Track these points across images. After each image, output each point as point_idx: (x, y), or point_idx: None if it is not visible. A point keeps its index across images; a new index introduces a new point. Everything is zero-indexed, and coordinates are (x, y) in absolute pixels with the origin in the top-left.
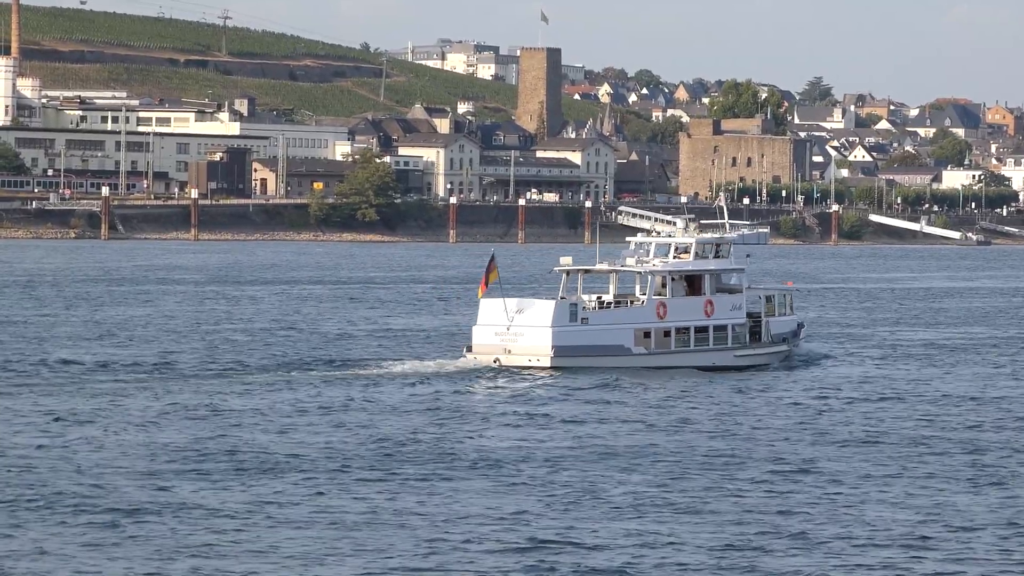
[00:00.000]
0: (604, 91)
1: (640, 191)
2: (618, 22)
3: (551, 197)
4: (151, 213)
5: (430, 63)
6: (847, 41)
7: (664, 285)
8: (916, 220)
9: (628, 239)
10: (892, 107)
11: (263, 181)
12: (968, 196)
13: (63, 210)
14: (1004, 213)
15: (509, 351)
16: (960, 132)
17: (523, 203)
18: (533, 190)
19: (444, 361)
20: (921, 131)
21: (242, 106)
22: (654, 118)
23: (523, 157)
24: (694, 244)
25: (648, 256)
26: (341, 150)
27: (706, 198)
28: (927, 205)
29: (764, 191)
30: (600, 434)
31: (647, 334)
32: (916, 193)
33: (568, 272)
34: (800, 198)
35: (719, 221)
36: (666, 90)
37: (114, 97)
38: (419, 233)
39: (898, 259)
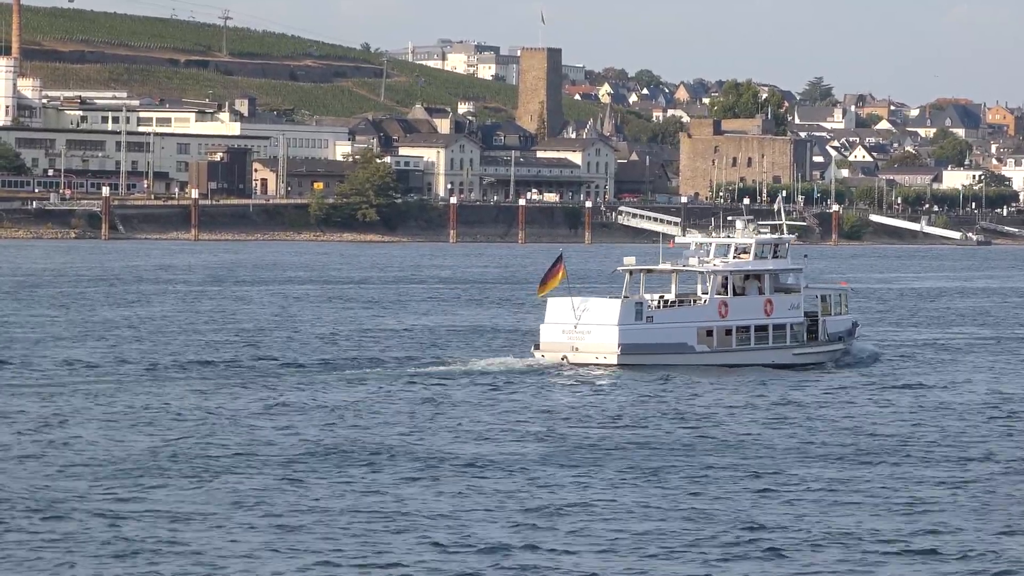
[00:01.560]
0: (604, 91)
1: (640, 191)
2: (618, 22)
3: (551, 197)
4: (151, 213)
5: (430, 63)
6: (847, 41)
7: (725, 284)
8: (916, 220)
9: (687, 239)
10: (892, 107)
11: (263, 181)
12: (968, 196)
13: (63, 210)
14: (1004, 213)
15: (576, 349)
16: (960, 132)
17: (523, 203)
18: (533, 190)
19: (513, 359)
20: (921, 131)
21: (242, 106)
22: (654, 118)
23: (523, 157)
24: (754, 244)
25: (708, 256)
26: (341, 150)
27: (706, 198)
28: (927, 205)
29: (764, 191)
30: (712, 430)
31: (709, 332)
32: (916, 193)
33: (631, 272)
34: (800, 198)
35: (776, 222)
36: (666, 90)
37: (114, 97)
38: (419, 233)
39: (897, 259)
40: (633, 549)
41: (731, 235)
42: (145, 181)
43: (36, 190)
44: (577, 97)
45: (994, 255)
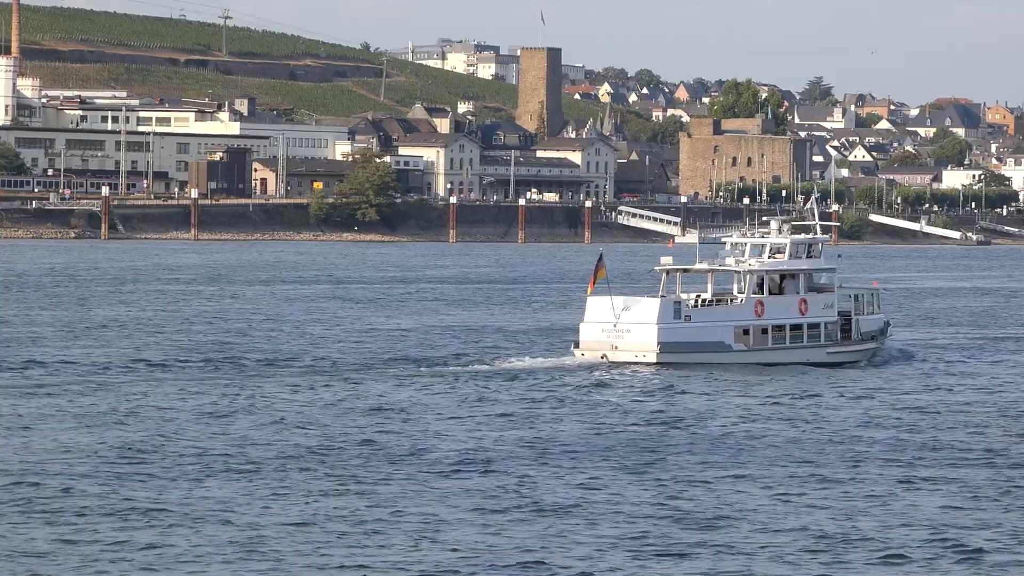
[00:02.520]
0: (604, 91)
1: (640, 191)
2: (618, 22)
3: (551, 197)
4: (151, 213)
5: (430, 63)
6: (847, 41)
7: (761, 284)
8: (916, 220)
9: (723, 239)
10: (892, 107)
11: (263, 181)
12: (968, 196)
13: (63, 210)
14: (1004, 213)
15: (616, 347)
16: (960, 132)
17: (523, 203)
18: (533, 190)
19: (553, 358)
20: (921, 131)
21: (242, 106)
22: (654, 118)
23: (523, 157)
24: (789, 244)
25: (744, 256)
26: (341, 150)
27: (706, 198)
28: (927, 205)
29: (764, 191)
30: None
31: (746, 331)
32: (916, 193)
33: (668, 271)
34: (800, 198)
35: (810, 223)
36: (666, 90)
37: (114, 97)
38: (419, 233)
39: (898, 259)
40: (697, 547)
41: (766, 235)
42: (145, 181)
43: (36, 190)
44: (577, 97)
45: (995, 255)
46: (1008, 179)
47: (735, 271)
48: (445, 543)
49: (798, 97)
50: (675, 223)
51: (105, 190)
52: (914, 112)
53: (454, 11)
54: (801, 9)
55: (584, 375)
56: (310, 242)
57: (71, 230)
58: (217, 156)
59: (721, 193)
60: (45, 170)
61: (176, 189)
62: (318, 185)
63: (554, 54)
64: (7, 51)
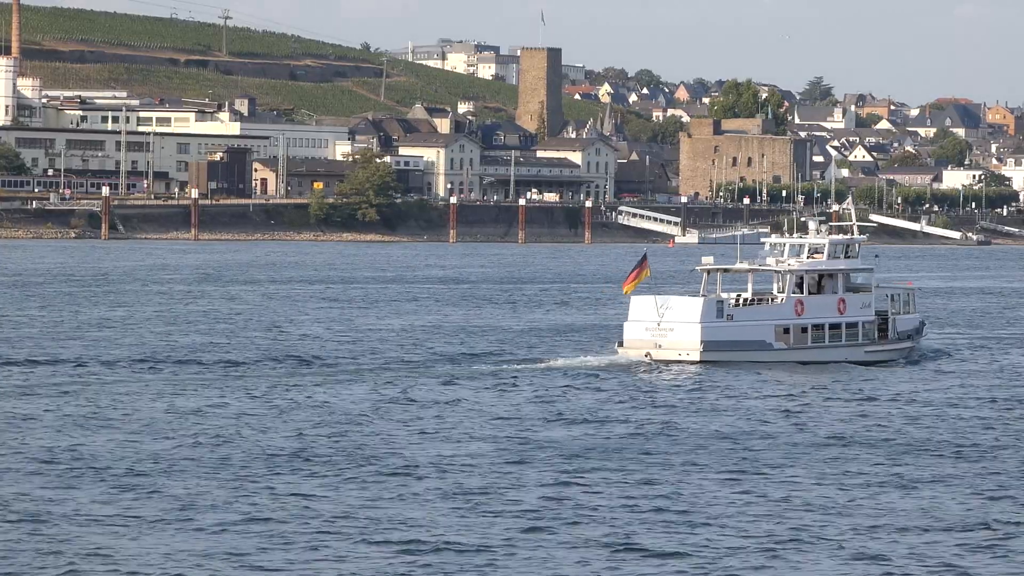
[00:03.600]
0: (604, 91)
1: (640, 191)
2: (618, 22)
3: (551, 197)
4: (151, 213)
5: (430, 63)
6: (847, 41)
7: (800, 284)
8: (916, 220)
9: (763, 240)
10: (892, 107)
11: (263, 181)
12: (968, 196)
13: (63, 210)
14: (1004, 213)
15: (660, 346)
16: (960, 132)
17: (523, 203)
18: (533, 190)
19: (597, 357)
20: (921, 131)
21: (242, 106)
22: (654, 118)
23: (523, 157)
24: (827, 245)
25: (783, 256)
26: (341, 150)
27: (706, 198)
28: (927, 205)
29: (764, 191)
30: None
31: (786, 330)
32: (916, 193)
33: (708, 271)
34: (800, 198)
35: (847, 223)
36: (666, 90)
37: (114, 97)
38: (419, 233)
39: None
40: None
41: (804, 236)
42: (145, 181)
43: (36, 190)
44: (577, 97)
45: (996, 255)
46: (1008, 179)
47: (775, 271)
48: (517, 528)
49: (798, 97)
50: (675, 223)
51: (105, 190)
52: (914, 112)
53: (454, 11)
54: (801, 9)
55: (629, 373)
56: (310, 242)
57: (71, 230)
58: (217, 156)
59: (721, 193)
60: (45, 170)
61: (176, 189)
62: (318, 185)
63: (554, 54)
64: (7, 51)
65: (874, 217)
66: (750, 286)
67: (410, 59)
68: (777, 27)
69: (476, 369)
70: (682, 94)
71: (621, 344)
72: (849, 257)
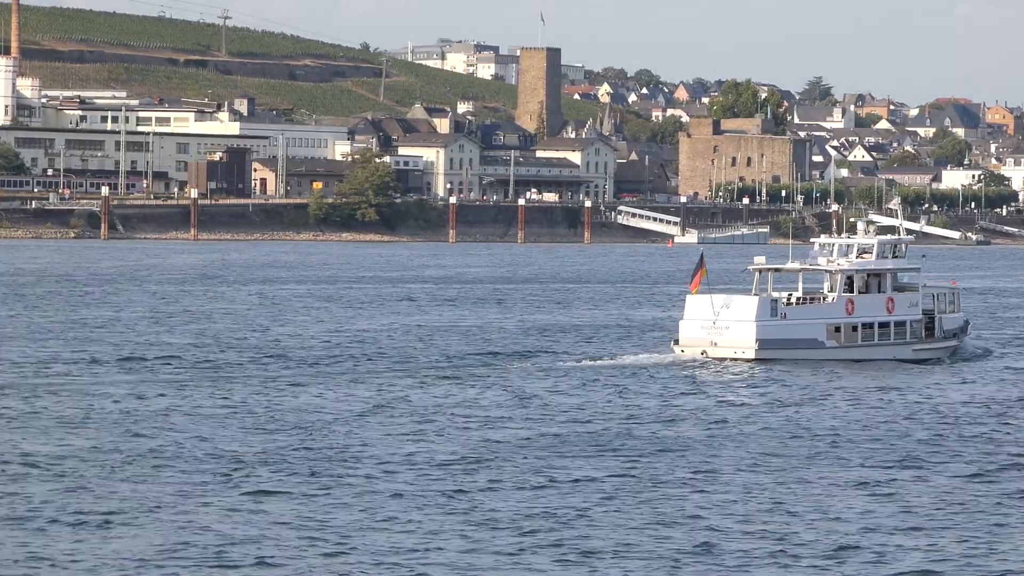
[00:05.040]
0: (604, 91)
1: (640, 191)
2: (618, 22)
3: (551, 197)
4: (151, 213)
5: (430, 63)
6: (847, 41)
7: (850, 283)
8: (916, 220)
9: (812, 240)
10: (892, 107)
11: (263, 181)
12: (968, 196)
13: (63, 210)
14: (1004, 213)
15: (715, 344)
16: (960, 132)
17: (523, 203)
18: (533, 190)
19: (653, 354)
20: (921, 131)
21: (242, 106)
22: (654, 118)
23: (523, 157)
24: (876, 245)
25: (832, 256)
26: (341, 150)
27: (706, 198)
28: (927, 205)
29: (764, 191)
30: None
31: (837, 329)
32: (916, 193)
33: (760, 271)
34: (800, 198)
35: (895, 223)
36: (666, 90)
37: (114, 97)
38: (419, 233)
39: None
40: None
41: (853, 236)
42: (144, 181)
43: (35, 190)
44: (576, 97)
45: (996, 255)
46: (1008, 179)
47: (826, 271)
48: (599, 525)
49: (798, 97)
50: (675, 223)
51: (105, 190)
52: (914, 112)
53: (454, 11)
54: (801, 9)
55: (686, 371)
56: (309, 242)
57: (71, 230)
58: (217, 156)
59: (720, 193)
60: (45, 170)
61: (176, 189)
62: (318, 185)
63: (554, 54)
64: (7, 51)
65: (873, 217)
66: (800, 285)
67: (410, 59)
68: (777, 27)
69: (535, 365)
70: (681, 94)
71: (677, 342)
72: (897, 257)
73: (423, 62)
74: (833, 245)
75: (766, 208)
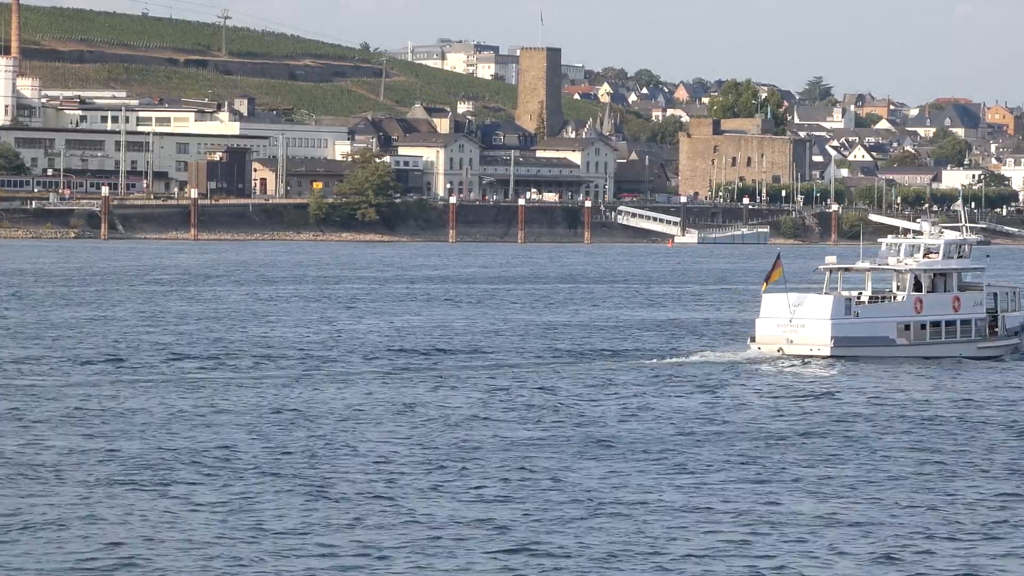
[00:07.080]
0: (604, 91)
1: (640, 191)
2: (618, 22)
3: (551, 197)
4: (151, 213)
5: (430, 63)
6: (847, 41)
7: (918, 282)
8: (915, 220)
9: (880, 240)
10: (892, 107)
11: (263, 181)
12: (968, 196)
13: (63, 210)
14: (1004, 213)
15: (791, 342)
16: (960, 132)
17: (523, 203)
18: (533, 190)
19: (731, 351)
20: (921, 131)
21: (242, 106)
22: (654, 118)
23: (523, 157)
24: (942, 245)
25: (899, 256)
26: (341, 150)
27: (706, 198)
28: (927, 205)
29: (764, 191)
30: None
31: (907, 327)
32: (916, 193)
33: (831, 270)
34: (800, 198)
35: (958, 224)
36: (666, 90)
37: (114, 97)
38: (419, 233)
39: None
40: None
41: (920, 236)
42: (144, 181)
43: (36, 190)
44: (576, 97)
45: (998, 255)
46: (1008, 179)
47: (896, 270)
48: (658, 519)
49: (798, 97)
50: (675, 223)
51: (105, 190)
52: (914, 112)
53: (454, 11)
54: (801, 9)
55: (763, 368)
56: (309, 242)
57: (71, 230)
58: (217, 156)
59: (721, 193)
60: (45, 170)
61: (176, 189)
62: (318, 185)
63: (554, 54)
64: (7, 51)
65: (873, 217)
66: (868, 285)
67: (409, 59)
68: (777, 27)
69: (616, 362)
70: (681, 94)
71: (753, 339)
72: (962, 257)
73: (423, 62)
74: (900, 245)
75: (766, 208)
